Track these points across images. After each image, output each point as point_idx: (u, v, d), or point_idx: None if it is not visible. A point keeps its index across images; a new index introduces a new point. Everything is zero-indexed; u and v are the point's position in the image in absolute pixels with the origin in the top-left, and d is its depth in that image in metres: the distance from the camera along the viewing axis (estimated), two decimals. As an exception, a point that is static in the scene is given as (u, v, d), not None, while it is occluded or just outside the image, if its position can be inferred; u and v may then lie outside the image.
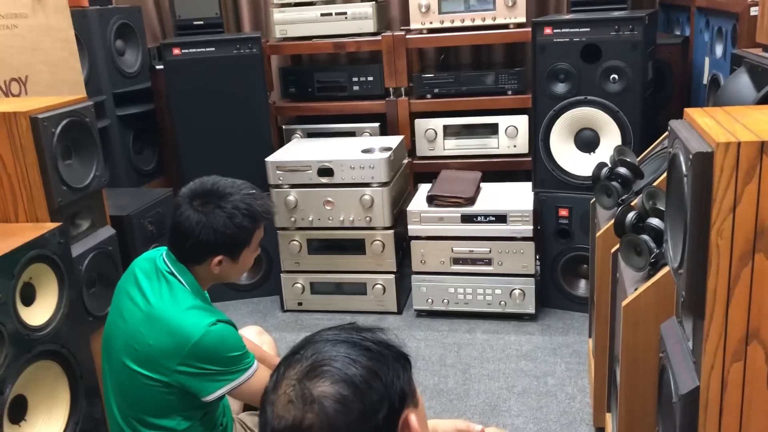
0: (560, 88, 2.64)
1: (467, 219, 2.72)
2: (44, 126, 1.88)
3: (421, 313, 2.89)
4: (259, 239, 1.75)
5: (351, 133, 3.36)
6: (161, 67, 3.16)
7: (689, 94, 2.97)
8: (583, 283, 2.83)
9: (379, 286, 2.89)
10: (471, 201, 2.74)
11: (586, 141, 2.68)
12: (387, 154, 2.78)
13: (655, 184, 1.83)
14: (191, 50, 2.89)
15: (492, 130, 3.20)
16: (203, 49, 2.90)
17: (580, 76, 2.59)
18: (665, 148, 2.03)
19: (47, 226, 1.85)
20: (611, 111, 2.58)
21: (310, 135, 3.40)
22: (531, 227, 2.66)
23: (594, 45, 2.55)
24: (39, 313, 1.81)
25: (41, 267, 1.81)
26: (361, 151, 2.86)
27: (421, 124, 3.26)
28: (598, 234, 1.92)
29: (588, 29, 2.54)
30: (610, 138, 2.62)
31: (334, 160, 2.78)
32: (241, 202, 1.68)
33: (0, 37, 2.24)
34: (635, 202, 1.81)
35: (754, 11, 2.29)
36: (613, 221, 1.90)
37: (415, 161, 3.29)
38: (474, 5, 3.12)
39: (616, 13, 2.59)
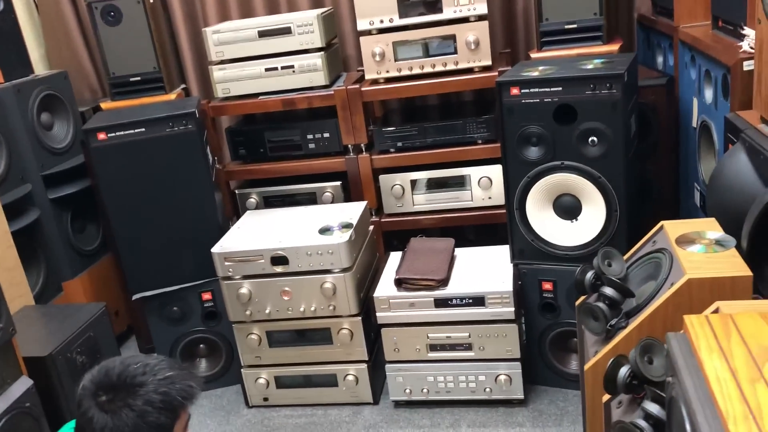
0: (533, 152, 2.34)
1: (441, 303, 2.44)
2: None
3: (400, 404, 2.62)
4: (183, 427, 1.47)
5: (311, 194, 3.06)
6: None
7: (677, 137, 2.68)
8: (574, 358, 2.56)
9: (351, 377, 2.61)
10: (444, 282, 2.46)
11: (567, 208, 2.38)
12: (347, 235, 2.48)
13: (647, 312, 1.55)
14: (119, 133, 2.56)
15: (464, 182, 2.91)
16: (132, 131, 2.57)
17: (554, 140, 2.29)
18: (655, 249, 1.75)
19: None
20: (592, 177, 2.28)
21: (267, 199, 3.09)
22: (512, 309, 2.38)
23: (568, 105, 2.24)
24: None
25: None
26: (318, 231, 2.56)
27: (386, 180, 2.96)
28: (587, 366, 1.64)
29: (560, 88, 2.23)
30: (593, 204, 2.33)
31: (287, 247, 2.48)
32: (154, 393, 1.39)
33: None
34: (626, 343, 1.54)
35: (747, 66, 1.99)
36: (601, 353, 1.64)
37: (383, 219, 3.00)
38: (433, 50, 2.81)
39: (591, 66, 2.29)
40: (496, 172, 2.84)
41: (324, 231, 2.56)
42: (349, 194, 3.04)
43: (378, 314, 2.49)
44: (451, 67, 2.81)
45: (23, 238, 2.70)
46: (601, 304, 1.65)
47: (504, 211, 2.85)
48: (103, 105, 3.12)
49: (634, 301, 1.67)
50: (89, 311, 2.26)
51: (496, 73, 2.72)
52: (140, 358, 1.45)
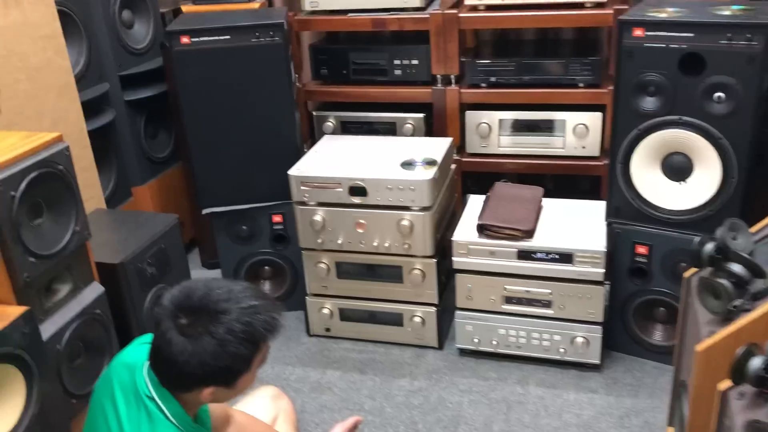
0: (649, 103, 2.12)
1: (525, 255, 2.29)
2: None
3: (465, 352, 2.51)
4: (262, 358, 1.38)
5: (391, 125, 2.90)
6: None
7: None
8: (659, 328, 2.40)
9: (417, 318, 2.51)
10: (529, 234, 2.30)
11: (676, 167, 2.18)
12: (431, 172, 2.33)
13: (785, 298, 1.38)
14: (203, 38, 2.43)
15: (557, 127, 2.71)
16: (217, 38, 2.43)
17: (675, 91, 2.07)
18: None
19: (8, 315, 1.51)
20: (712, 137, 2.06)
21: (344, 124, 2.95)
22: (602, 270, 2.22)
23: (697, 54, 2.01)
24: (2, 419, 1.51)
25: (2, 368, 1.49)
26: (400, 164, 2.41)
27: (472, 116, 2.78)
28: (700, 347, 1.49)
29: (691, 34, 2.00)
30: (707, 167, 2.11)
31: (367, 178, 2.35)
32: (237, 322, 1.30)
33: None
34: (751, 329, 1.37)
35: None
36: (719, 335, 1.47)
37: (464, 158, 2.84)
38: (544, -22, 2.57)
39: (729, 12, 2.03)
40: (594, 120, 2.63)
41: (406, 165, 2.41)
42: (431, 128, 2.87)
43: (455, 258, 2.36)
44: (561, -1, 2.57)
45: (97, 138, 2.61)
46: (725, 281, 1.48)
47: (597, 163, 2.68)
48: (184, 7, 2.98)
49: (762, 283, 1.49)
50: (162, 222, 2.19)
51: (611, 11, 2.48)
52: (223, 283, 1.35)
